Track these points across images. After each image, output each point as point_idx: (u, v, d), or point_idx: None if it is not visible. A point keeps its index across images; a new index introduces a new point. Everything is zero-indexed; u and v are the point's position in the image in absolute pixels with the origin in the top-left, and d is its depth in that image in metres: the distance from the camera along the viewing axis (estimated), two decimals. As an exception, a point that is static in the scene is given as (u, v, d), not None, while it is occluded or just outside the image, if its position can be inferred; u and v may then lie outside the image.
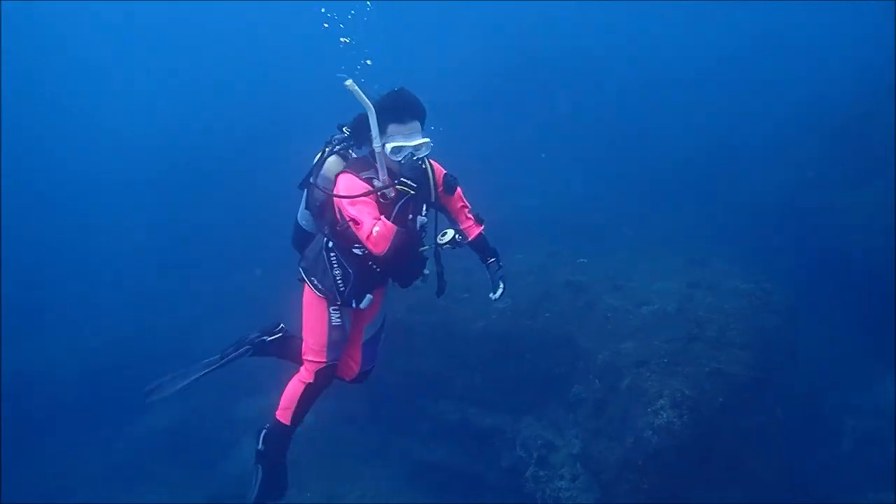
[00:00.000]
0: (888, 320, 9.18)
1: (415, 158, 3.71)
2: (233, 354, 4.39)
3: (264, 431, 4.19)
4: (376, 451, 10.44)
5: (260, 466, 4.15)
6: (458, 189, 4.17)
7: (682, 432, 6.64)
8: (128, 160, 20.27)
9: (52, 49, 25.89)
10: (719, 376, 7.11)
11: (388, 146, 3.70)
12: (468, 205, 4.28)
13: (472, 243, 4.29)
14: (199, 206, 17.66)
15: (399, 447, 10.16)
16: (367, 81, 3.73)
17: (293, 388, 4.13)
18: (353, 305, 4.01)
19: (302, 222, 4.19)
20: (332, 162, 3.90)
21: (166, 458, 11.43)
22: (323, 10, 6.28)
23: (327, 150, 3.95)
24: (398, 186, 3.64)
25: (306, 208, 4.10)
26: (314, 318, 4.09)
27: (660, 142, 16.10)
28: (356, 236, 3.71)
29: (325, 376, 4.11)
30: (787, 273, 9.98)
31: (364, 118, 3.71)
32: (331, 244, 3.98)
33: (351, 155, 3.93)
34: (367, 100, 3.63)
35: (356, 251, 3.86)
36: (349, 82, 3.58)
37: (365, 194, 3.67)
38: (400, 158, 3.70)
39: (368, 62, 4.75)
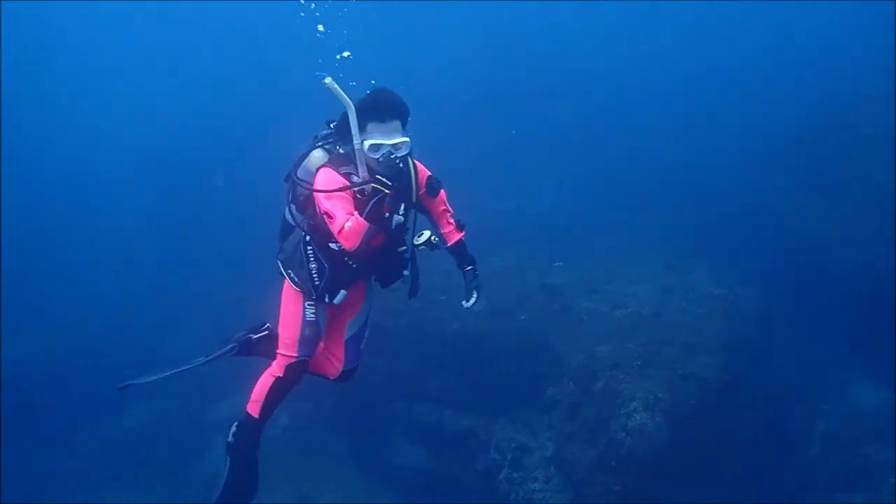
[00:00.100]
0: (859, 326, 9.36)
1: (393, 157, 3.71)
2: (218, 352, 4.36)
3: (236, 424, 4.16)
4: (351, 453, 10.39)
5: (229, 458, 4.11)
6: (442, 192, 4.16)
7: (654, 434, 6.70)
8: (127, 160, 20.04)
9: (52, 49, 25.70)
10: (692, 379, 7.19)
11: (367, 143, 3.71)
12: (450, 209, 4.26)
13: (450, 249, 4.29)
14: (199, 207, 17.49)
15: (374, 449, 10.11)
16: (364, 79, 3.73)
17: (263, 381, 4.12)
18: (326, 300, 3.99)
19: (287, 216, 4.18)
20: (316, 156, 3.91)
21: (134, 459, 11.25)
22: (313, 5, 6.27)
23: (313, 144, 3.95)
24: (374, 184, 3.64)
25: (292, 202, 4.09)
26: (290, 312, 4.09)
27: (636, 149, 16.27)
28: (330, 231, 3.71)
29: (295, 371, 4.09)
30: (760, 278, 10.13)
31: (347, 115, 3.72)
32: (308, 238, 3.98)
33: (337, 150, 3.93)
34: (346, 97, 3.65)
35: (332, 246, 3.85)
36: (328, 80, 3.58)
37: (340, 189, 3.68)
38: (378, 156, 3.71)
39: (347, 54, 4.74)
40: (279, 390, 4.09)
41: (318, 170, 3.82)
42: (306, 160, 3.91)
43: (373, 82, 3.96)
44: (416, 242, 3.96)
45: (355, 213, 3.65)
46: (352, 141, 3.74)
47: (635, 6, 21.86)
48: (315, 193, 3.74)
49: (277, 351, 4.13)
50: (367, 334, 4.41)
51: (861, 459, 8.56)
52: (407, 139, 3.79)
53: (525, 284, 9.93)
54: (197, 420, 11.56)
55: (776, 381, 8.92)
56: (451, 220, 4.26)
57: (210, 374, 6.69)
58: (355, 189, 3.72)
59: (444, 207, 4.24)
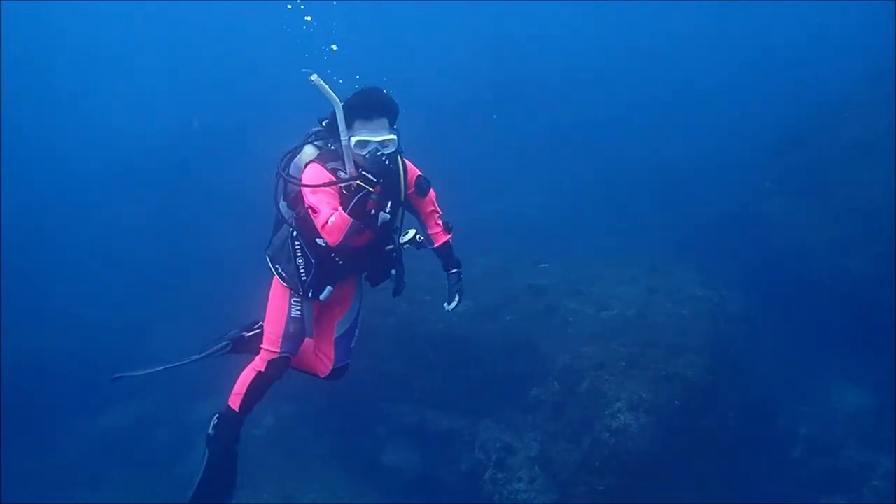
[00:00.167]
0: (842, 330, 9.43)
1: (380, 154, 3.70)
2: (211, 349, 4.36)
3: (216, 416, 4.15)
4: (335, 453, 10.33)
5: (208, 450, 4.10)
6: (432, 193, 4.16)
7: (638, 434, 6.73)
8: (126, 159, 19.89)
9: (52, 49, 25.58)
10: (676, 380, 7.23)
11: (354, 139, 3.71)
12: (439, 210, 4.25)
13: (436, 250, 4.29)
14: (197, 206, 17.37)
15: (359, 449, 10.07)
16: (353, 77, 3.72)
17: (245, 375, 4.12)
18: (311, 296, 3.98)
19: (279, 212, 4.17)
20: (307, 152, 3.93)
21: (114, 459, 11.15)
22: (302, 7, 6.26)
23: (304, 140, 3.96)
24: (359, 181, 3.64)
25: (283, 198, 4.09)
26: (276, 308, 4.09)
27: (623, 151, 16.33)
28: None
29: (277, 367, 4.08)
30: (744, 281, 10.20)
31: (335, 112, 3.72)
32: (296, 233, 3.98)
33: (328, 147, 3.93)
34: (333, 95, 3.65)
35: (319, 241, 3.84)
36: (314, 77, 3.58)
37: (325, 184, 3.68)
38: (365, 153, 3.70)
39: (335, 47, 4.74)
40: (260, 385, 4.08)
41: (306, 165, 3.82)
42: (298, 156, 3.92)
43: (357, 77, 3.96)
44: (401, 241, 3.97)
45: (339, 208, 3.65)
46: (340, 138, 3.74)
47: (622, 11, 21.99)
48: (302, 188, 3.74)
49: (261, 346, 4.12)
50: (357, 332, 4.41)
51: (843, 462, 8.66)
52: (394, 136, 3.79)
53: (511, 285, 9.94)
54: (180, 420, 11.44)
55: (759, 383, 9.00)
56: (440, 222, 4.25)
57: (194, 374, 6.64)
58: (342, 185, 3.72)
59: (432, 208, 4.23)
